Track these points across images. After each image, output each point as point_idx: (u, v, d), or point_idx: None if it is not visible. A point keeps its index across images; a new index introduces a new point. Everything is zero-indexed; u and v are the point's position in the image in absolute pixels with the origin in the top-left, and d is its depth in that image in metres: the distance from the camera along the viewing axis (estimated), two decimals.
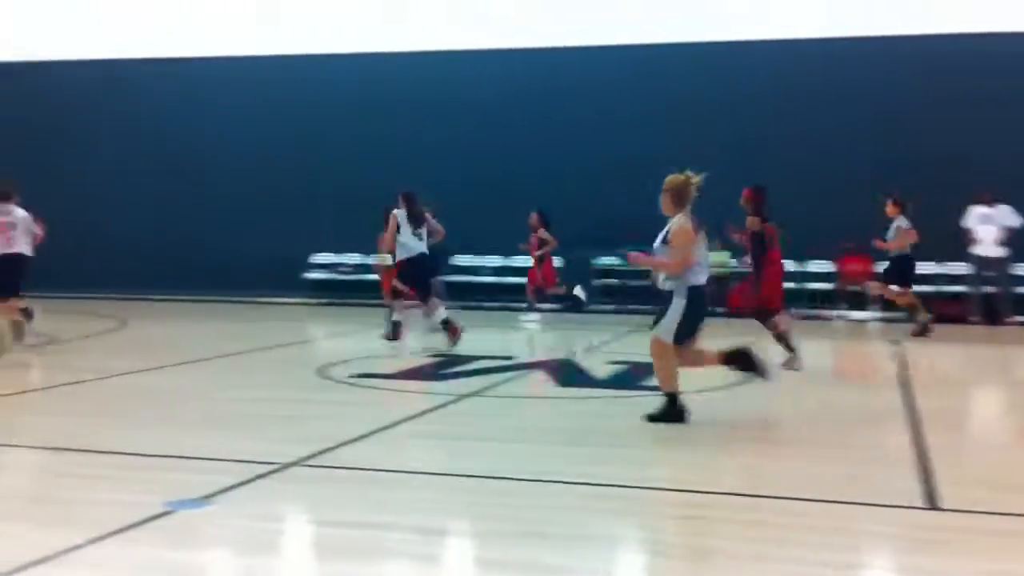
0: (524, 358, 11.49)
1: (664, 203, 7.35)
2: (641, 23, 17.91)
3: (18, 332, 11.35)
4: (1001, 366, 12.34)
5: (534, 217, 16.42)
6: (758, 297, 10.29)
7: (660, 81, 17.81)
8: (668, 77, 17.79)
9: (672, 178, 7.33)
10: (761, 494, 5.43)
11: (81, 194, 19.26)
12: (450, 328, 11.66)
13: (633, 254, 7.67)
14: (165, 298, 18.26)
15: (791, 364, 9.96)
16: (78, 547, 4.38)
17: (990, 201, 15.76)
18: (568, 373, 10.30)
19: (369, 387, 9.04)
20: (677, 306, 7.20)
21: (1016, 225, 15.77)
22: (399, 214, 11.94)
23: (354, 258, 18.93)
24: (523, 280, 17.47)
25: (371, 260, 16.63)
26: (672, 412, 7.25)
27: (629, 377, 10.02)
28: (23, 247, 11.75)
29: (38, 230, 11.98)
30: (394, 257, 12.12)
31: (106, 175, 19.79)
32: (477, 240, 18.12)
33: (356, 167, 18.50)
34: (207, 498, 5.17)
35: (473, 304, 17.33)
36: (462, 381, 9.44)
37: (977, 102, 16.44)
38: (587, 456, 6.42)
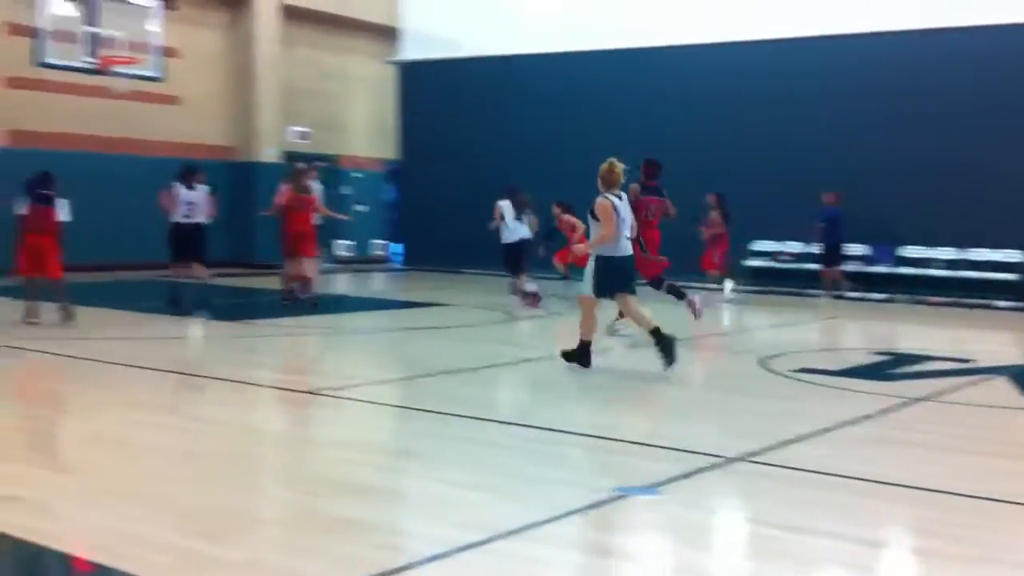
0: (984, 361, 10.59)
1: (599, 185, 8.90)
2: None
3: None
4: None
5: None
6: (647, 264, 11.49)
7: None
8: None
9: (601, 165, 8.94)
10: None
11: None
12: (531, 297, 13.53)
13: (577, 247, 10.04)
14: None
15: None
16: (536, 524, 4.60)
17: None
18: None
19: (813, 383, 8.74)
20: (589, 268, 8.96)
21: None
22: (503, 204, 14.50)
23: (794, 246, 18.49)
24: (978, 274, 16.30)
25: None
26: (581, 356, 8.89)
27: None
28: (201, 218, 14.02)
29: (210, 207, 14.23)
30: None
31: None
32: (928, 231, 17.11)
33: (808, 154, 17.98)
34: (654, 487, 5.24)
35: (923, 298, 16.42)
36: (914, 383, 8.88)
37: None
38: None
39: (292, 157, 22.73)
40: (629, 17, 19.89)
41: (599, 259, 8.93)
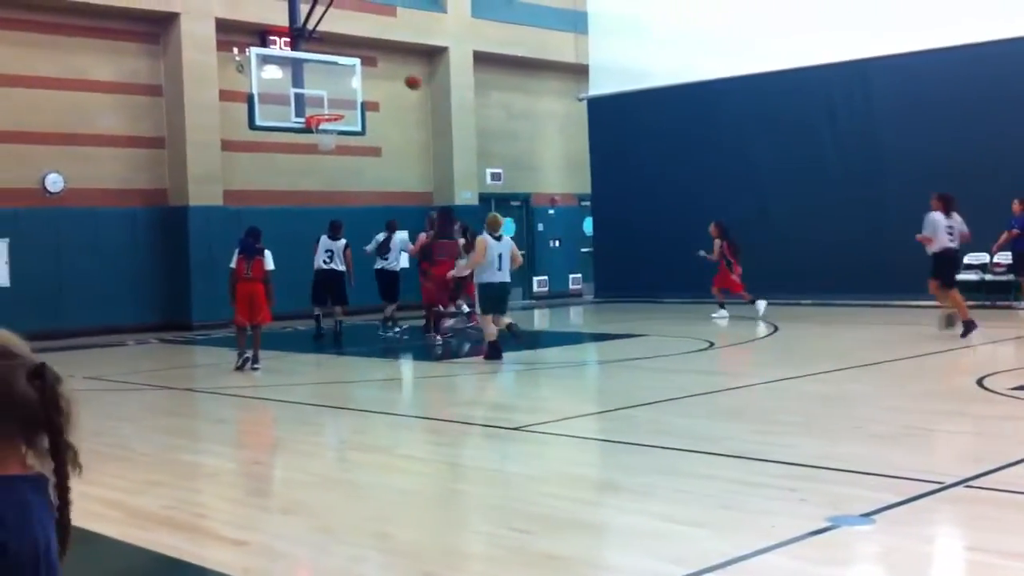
0: None
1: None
2: None
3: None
4: None
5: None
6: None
7: None
8: None
9: (488, 216, 12.73)
10: None
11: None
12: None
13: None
14: (810, 302, 18.50)
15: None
16: (746, 556, 4.57)
17: None
18: None
19: None
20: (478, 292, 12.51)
21: None
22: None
23: (1002, 257, 17.58)
24: None
25: None
26: (493, 352, 12.00)
27: None
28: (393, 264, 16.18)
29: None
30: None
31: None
32: None
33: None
34: (869, 515, 5.10)
35: None
36: None
37: None
38: None
39: (487, 198, 23.35)
40: (816, 34, 19.45)
41: (480, 285, 12.38)
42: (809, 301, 18.56)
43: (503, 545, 5.09)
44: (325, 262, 15.71)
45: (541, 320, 19.88)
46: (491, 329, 12.10)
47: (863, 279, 18.20)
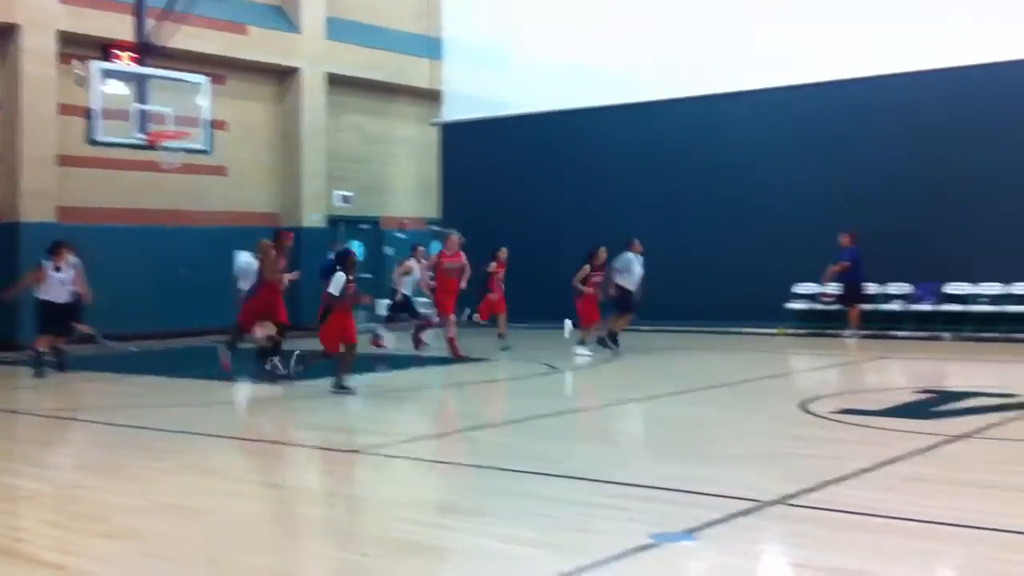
0: None
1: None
2: None
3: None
4: None
5: None
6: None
7: None
8: None
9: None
10: None
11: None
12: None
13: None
14: (649, 328, 19.00)
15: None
16: (574, 573, 4.70)
17: None
18: None
19: (854, 424, 8.76)
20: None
21: None
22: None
23: (834, 287, 18.49)
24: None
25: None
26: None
27: None
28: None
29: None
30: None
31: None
32: (972, 267, 17.07)
33: (852, 196, 18.08)
34: (691, 532, 5.31)
35: (969, 334, 16.34)
36: (958, 420, 8.87)
37: None
38: None
39: (335, 221, 23.19)
40: (667, 70, 20.09)
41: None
42: (668, 327, 19.06)
43: (340, 569, 5.10)
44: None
45: (387, 343, 19.78)
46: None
47: (720, 306, 18.75)
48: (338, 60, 23.06)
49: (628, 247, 15.91)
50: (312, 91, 22.77)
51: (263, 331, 13.94)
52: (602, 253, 15.73)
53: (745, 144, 19.38)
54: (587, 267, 15.70)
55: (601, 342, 15.48)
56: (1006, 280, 17.08)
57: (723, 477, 6.72)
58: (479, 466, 7.30)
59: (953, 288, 17.52)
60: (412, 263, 16.99)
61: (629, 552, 5.00)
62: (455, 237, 16.05)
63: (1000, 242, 16.82)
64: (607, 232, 20.25)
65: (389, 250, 24.73)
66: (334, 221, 23.28)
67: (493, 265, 16.76)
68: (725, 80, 19.43)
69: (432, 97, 24.26)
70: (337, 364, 11.43)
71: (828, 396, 10.46)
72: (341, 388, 11.30)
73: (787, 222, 18.70)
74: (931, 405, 9.77)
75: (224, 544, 5.49)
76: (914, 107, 17.72)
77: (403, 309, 16.97)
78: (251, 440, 9.22)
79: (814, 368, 13.90)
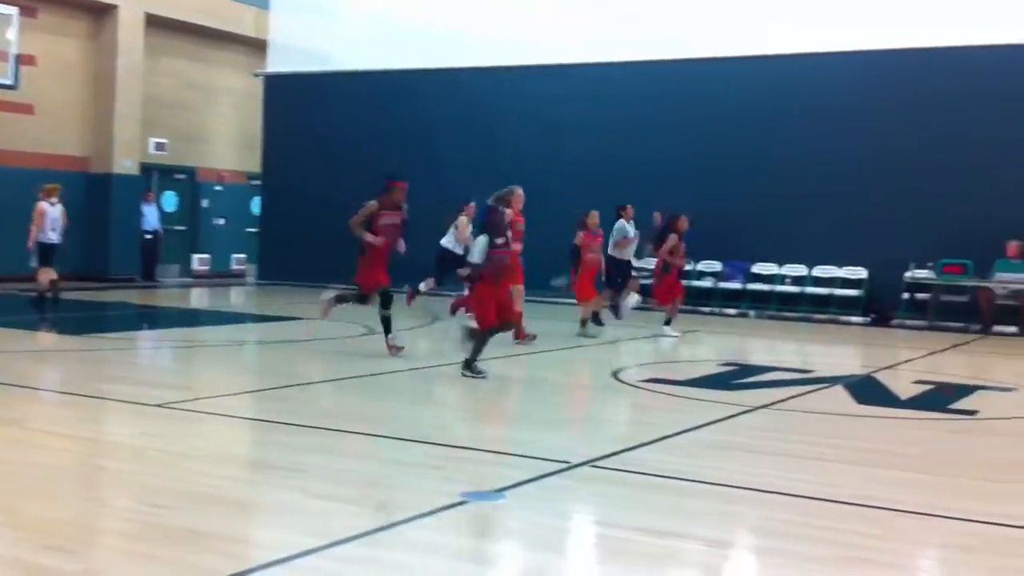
0: (824, 371, 11.15)
1: None
2: None
3: None
4: None
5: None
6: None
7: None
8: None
9: None
10: None
11: None
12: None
13: None
14: None
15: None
16: (381, 529, 4.71)
17: None
18: (869, 390, 9.89)
19: (662, 393, 9.08)
20: None
21: None
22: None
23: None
24: (825, 290, 17.29)
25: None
26: None
27: (936, 399, 9.47)
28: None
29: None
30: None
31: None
32: (778, 249, 17.90)
33: (658, 176, 18.62)
34: (499, 491, 5.40)
35: (773, 313, 17.15)
36: (756, 392, 9.29)
37: None
38: (883, 478, 6.17)
39: (149, 169, 22.35)
40: (499, 34, 20.15)
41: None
42: None
43: (139, 520, 4.94)
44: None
45: (199, 299, 19.27)
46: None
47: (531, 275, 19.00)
48: (159, 0, 22.10)
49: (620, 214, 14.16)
50: (130, 30, 21.74)
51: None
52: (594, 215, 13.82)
53: (560, 120, 19.66)
54: (580, 233, 13.72)
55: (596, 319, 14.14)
56: (809, 263, 17.98)
57: (536, 440, 6.85)
58: (292, 424, 7.20)
59: (760, 268, 18.33)
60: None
61: (440, 509, 5.04)
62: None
63: (805, 228, 17.64)
64: (429, 195, 20.26)
65: (204, 202, 24.01)
66: (147, 169, 22.42)
67: None
68: (543, 53, 19.66)
69: (258, 47, 23.59)
70: (476, 342, 9.42)
71: (640, 366, 10.78)
72: (473, 372, 9.26)
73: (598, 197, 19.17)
74: (733, 377, 10.21)
75: (19, 494, 5.24)
76: (727, 94, 18.32)
77: None
78: (54, 391, 8.81)
79: (630, 339, 14.30)
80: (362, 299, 11.17)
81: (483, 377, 9.11)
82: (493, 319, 9.22)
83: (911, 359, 12.54)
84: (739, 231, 17.95)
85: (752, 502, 5.55)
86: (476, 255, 9.37)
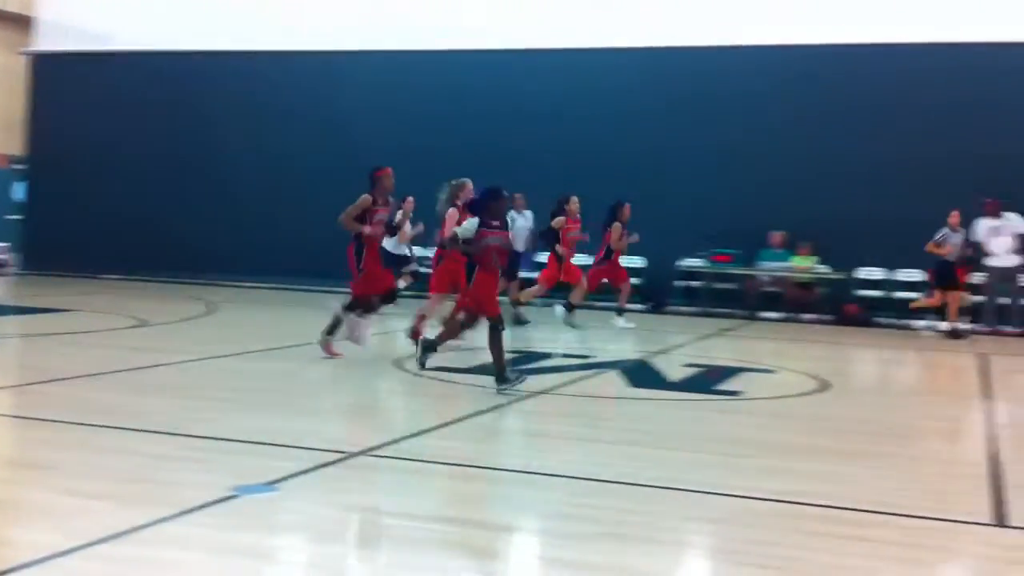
0: (601, 357, 11.48)
1: None
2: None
3: None
4: None
5: None
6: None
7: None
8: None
9: None
10: (841, 505, 5.33)
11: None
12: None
13: None
14: (246, 284, 18.74)
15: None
16: (145, 526, 4.51)
17: (997, 212, 15.61)
18: (642, 374, 10.25)
19: (444, 380, 9.11)
20: None
21: None
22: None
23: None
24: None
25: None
26: None
27: (702, 381, 9.93)
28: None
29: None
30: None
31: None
32: None
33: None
34: (272, 484, 5.28)
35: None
36: (535, 378, 9.46)
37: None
38: (646, 456, 6.41)
39: None
40: (289, 19, 19.78)
41: None
42: (268, 285, 18.76)
43: None
44: None
45: None
46: None
47: (317, 265, 18.73)
48: None
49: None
50: None
51: None
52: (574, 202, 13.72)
53: (357, 104, 19.51)
54: (561, 218, 13.55)
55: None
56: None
57: (311, 430, 6.74)
58: (47, 419, 6.81)
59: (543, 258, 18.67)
60: None
61: (209, 504, 4.88)
62: None
63: (585, 219, 18.05)
64: (201, 184, 19.70)
65: None
66: None
67: None
68: (338, 38, 19.44)
69: (23, 23, 22.21)
70: (494, 351, 8.51)
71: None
72: (505, 381, 8.38)
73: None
74: (516, 364, 10.34)
75: None
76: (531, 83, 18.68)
77: None
78: None
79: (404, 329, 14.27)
80: (370, 307, 10.30)
81: (522, 381, 8.35)
82: (497, 308, 8.56)
83: (682, 344, 13.10)
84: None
85: (524, 484, 5.65)
86: (464, 232, 8.51)
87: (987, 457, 6.68)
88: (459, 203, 10.78)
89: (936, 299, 15.43)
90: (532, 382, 9.07)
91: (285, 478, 5.40)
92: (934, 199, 15.51)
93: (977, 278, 16.19)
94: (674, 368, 10.57)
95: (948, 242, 15.06)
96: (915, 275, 16.77)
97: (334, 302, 10.31)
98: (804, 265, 17.23)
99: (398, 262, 14.09)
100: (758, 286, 17.46)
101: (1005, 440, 7.38)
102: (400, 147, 18.52)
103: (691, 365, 10.77)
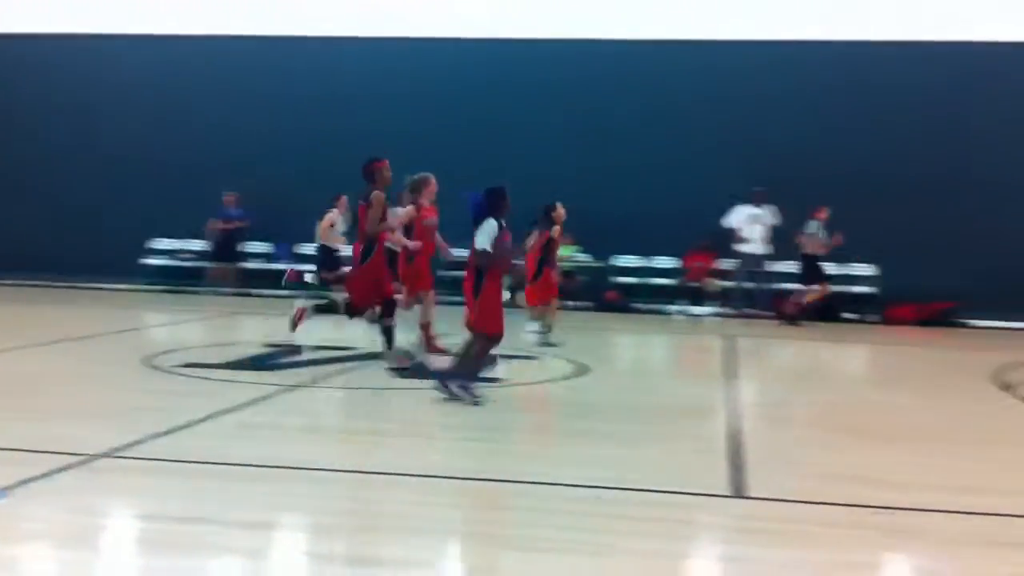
0: (364, 348, 11.35)
1: None
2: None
3: None
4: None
5: None
6: None
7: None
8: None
9: None
10: (595, 484, 5.45)
11: None
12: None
13: None
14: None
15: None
16: None
17: (760, 201, 16.48)
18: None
19: (195, 377, 8.76)
20: None
21: (777, 224, 16.41)
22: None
23: (195, 244, 18.52)
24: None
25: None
26: None
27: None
28: None
29: None
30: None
31: None
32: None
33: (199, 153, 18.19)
34: (3, 490, 4.91)
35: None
36: (296, 371, 9.27)
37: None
38: (391, 445, 6.44)
39: None
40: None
41: None
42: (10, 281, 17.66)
43: None
44: None
45: None
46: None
47: (75, 260, 17.77)
48: None
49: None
50: None
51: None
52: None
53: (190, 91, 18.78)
54: (558, 228, 12.01)
55: None
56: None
57: (49, 433, 6.34)
58: None
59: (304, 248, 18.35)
60: None
61: None
62: None
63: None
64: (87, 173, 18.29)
65: None
66: None
67: None
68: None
69: None
70: (468, 358, 7.76)
71: (174, 351, 10.35)
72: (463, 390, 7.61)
73: (146, 177, 18.44)
74: (273, 358, 10.10)
75: None
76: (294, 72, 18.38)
77: None
78: None
79: (164, 324, 13.71)
80: (356, 312, 9.46)
81: (476, 403, 7.49)
82: (501, 327, 7.66)
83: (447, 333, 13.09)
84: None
85: (271, 479, 5.53)
86: (484, 241, 7.65)
87: (728, 434, 7.02)
88: (422, 200, 10.04)
89: (823, 289, 15.73)
90: (290, 375, 8.89)
91: (17, 484, 5.04)
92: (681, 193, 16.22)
93: (728, 264, 16.96)
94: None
95: (818, 238, 15.39)
96: (668, 263, 17.48)
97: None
98: (566, 254, 17.63)
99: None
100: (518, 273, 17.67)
101: (747, 418, 7.78)
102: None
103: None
